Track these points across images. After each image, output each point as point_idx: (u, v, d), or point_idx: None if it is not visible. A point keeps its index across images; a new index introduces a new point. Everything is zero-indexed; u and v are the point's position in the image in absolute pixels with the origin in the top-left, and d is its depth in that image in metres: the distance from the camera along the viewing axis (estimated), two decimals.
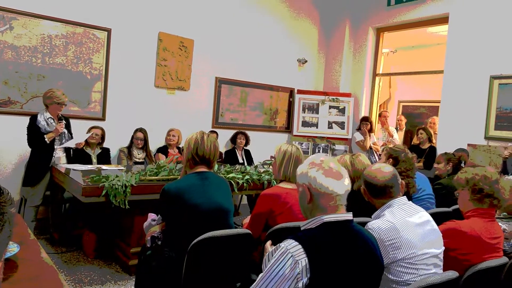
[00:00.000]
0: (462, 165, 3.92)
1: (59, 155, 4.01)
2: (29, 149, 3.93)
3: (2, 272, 0.68)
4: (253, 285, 1.40)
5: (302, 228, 1.48)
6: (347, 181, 1.48)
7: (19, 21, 4.29)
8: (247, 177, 3.86)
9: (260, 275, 1.39)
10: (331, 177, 1.45)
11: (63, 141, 3.99)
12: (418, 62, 7.40)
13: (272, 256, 1.39)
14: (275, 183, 3.80)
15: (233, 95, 6.13)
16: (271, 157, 2.70)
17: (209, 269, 2.16)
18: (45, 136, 3.79)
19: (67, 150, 4.13)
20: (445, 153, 4.11)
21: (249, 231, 2.24)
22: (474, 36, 5.26)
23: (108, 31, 4.87)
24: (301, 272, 1.30)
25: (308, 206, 1.48)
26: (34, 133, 3.80)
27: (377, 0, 6.48)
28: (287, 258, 1.32)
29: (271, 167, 4.47)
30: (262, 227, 2.45)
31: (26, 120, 3.88)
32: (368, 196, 2.06)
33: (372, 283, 1.50)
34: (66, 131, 4.01)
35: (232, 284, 2.31)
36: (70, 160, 4.16)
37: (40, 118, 3.83)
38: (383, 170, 2.02)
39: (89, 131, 4.48)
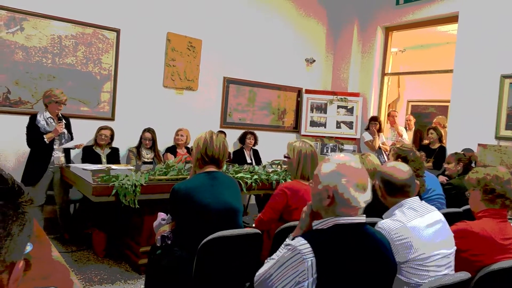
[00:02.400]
0: (473, 165, 3.88)
1: (58, 155, 3.97)
2: None
3: (22, 270, 0.69)
4: (260, 271, 1.50)
5: (314, 228, 1.48)
6: (370, 192, 1.46)
7: (29, 22, 4.34)
8: (255, 177, 3.87)
9: (268, 265, 1.46)
10: (360, 190, 1.42)
11: (63, 141, 3.97)
12: (427, 62, 7.35)
13: (281, 250, 1.43)
14: (283, 182, 3.80)
15: (241, 95, 6.13)
16: (285, 156, 2.70)
17: (218, 268, 2.17)
18: (44, 136, 3.76)
19: (66, 150, 4.10)
20: (455, 153, 4.08)
21: (258, 231, 2.23)
22: (484, 34, 5.20)
23: (117, 31, 4.90)
24: (306, 271, 1.31)
25: (325, 208, 1.46)
26: (34, 133, 3.77)
27: None
28: (294, 254, 1.34)
29: (279, 166, 4.47)
30: (276, 218, 2.45)
31: None
32: (382, 193, 2.03)
33: (384, 285, 1.49)
34: (66, 131, 3.96)
35: (241, 284, 2.31)
36: (80, 160, 4.18)
37: (40, 118, 3.79)
38: (402, 169, 2.01)
39: (98, 131, 4.51)
